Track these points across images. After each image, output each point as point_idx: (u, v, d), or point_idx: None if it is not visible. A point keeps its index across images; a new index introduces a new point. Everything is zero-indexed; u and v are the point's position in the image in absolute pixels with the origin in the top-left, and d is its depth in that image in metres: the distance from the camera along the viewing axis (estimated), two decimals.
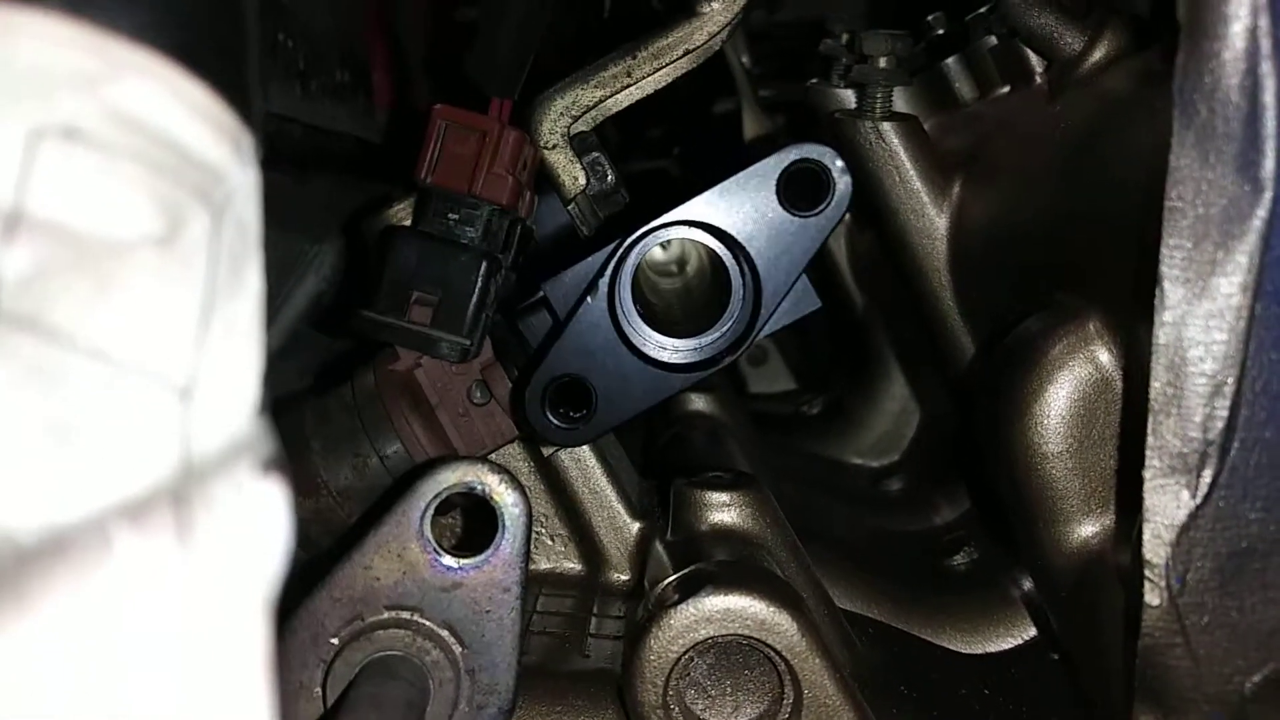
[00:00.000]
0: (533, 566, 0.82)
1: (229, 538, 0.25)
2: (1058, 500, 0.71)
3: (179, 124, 0.28)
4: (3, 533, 0.22)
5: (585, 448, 0.79)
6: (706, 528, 0.72)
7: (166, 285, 0.26)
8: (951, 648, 0.90)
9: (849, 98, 1.15)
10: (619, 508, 0.81)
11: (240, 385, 0.28)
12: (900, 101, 1.15)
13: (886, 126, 1.02)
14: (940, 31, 1.21)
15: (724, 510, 0.72)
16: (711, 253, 0.66)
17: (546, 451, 0.79)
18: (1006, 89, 1.07)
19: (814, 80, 1.24)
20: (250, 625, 0.25)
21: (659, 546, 0.76)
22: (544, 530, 0.83)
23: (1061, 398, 0.71)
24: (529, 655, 0.70)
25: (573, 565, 0.83)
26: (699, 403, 1.13)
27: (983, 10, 1.10)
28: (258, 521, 0.26)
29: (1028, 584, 0.95)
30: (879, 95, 1.03)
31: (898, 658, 0.78)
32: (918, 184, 1.03)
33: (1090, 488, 0.71)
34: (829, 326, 1.63)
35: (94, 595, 0.22)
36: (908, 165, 1.02)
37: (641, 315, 0.67)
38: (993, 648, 0.91)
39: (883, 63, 1.02)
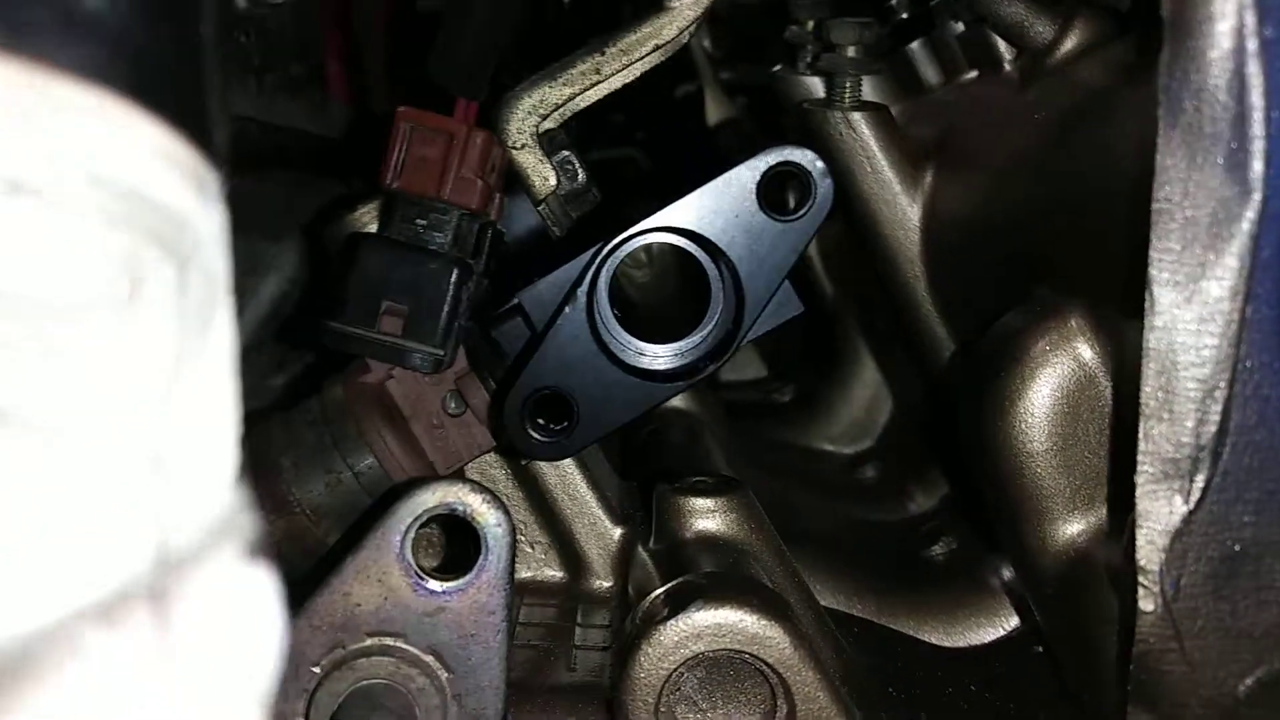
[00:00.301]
0: None
1: (213, 634, 0.23)
2: (1042, 499, 0.71)
3: (135, 170, 0.26)
4: None
5: None
6: (691, 535, 0.71)
7: (129, 351, 0.24)
8: (935, 642, 0.89)
9: (816, 86, 1.14)
10: (600, 513, 0.79)
11: (216, 452, 0.26)
12: (866, 87, 1.14)
13: (857, 116, 1.01)
14: (904, 15, 1.20)
15: (709, 517, 0.71)
16: (689, 254, 0.65)
17: (525, 458, 0.78)
18: (974, 74, 1.06)
19: (779, 67, 1.23)
20: (244, 713, 0.23)
21: (643, 553, 0.74)
22: (524, 538, 0.81)
23: (1044, 395, 0.71)
24: (513, 670, 0.69)
25: (554, 573, 0.81)
26: (675, 399, 1.12)
27: None
28: (244, 614, 0.24)
29: (1008, 573, 0.95)
30: (848, 84, 1.01)
31: (884, 659, 0.78)
32: (889, 174, 1.02)
33: (1075, 485, 0.70)
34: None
35: (67, 706, 0.20)
36: (879, 155, 1.01)
37: (619, 320, 0.65)
38: (975, 640, 0.91)
39: (851, 51, 1.01)
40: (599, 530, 0.79)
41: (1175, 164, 0.53)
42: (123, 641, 0.21)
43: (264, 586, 0.25)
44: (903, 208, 1.02)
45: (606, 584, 0.80)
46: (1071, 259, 0.75)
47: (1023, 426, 0.71)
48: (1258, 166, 0.51)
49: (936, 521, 1.11)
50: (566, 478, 0.79)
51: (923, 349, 1.06)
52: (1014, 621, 0.92)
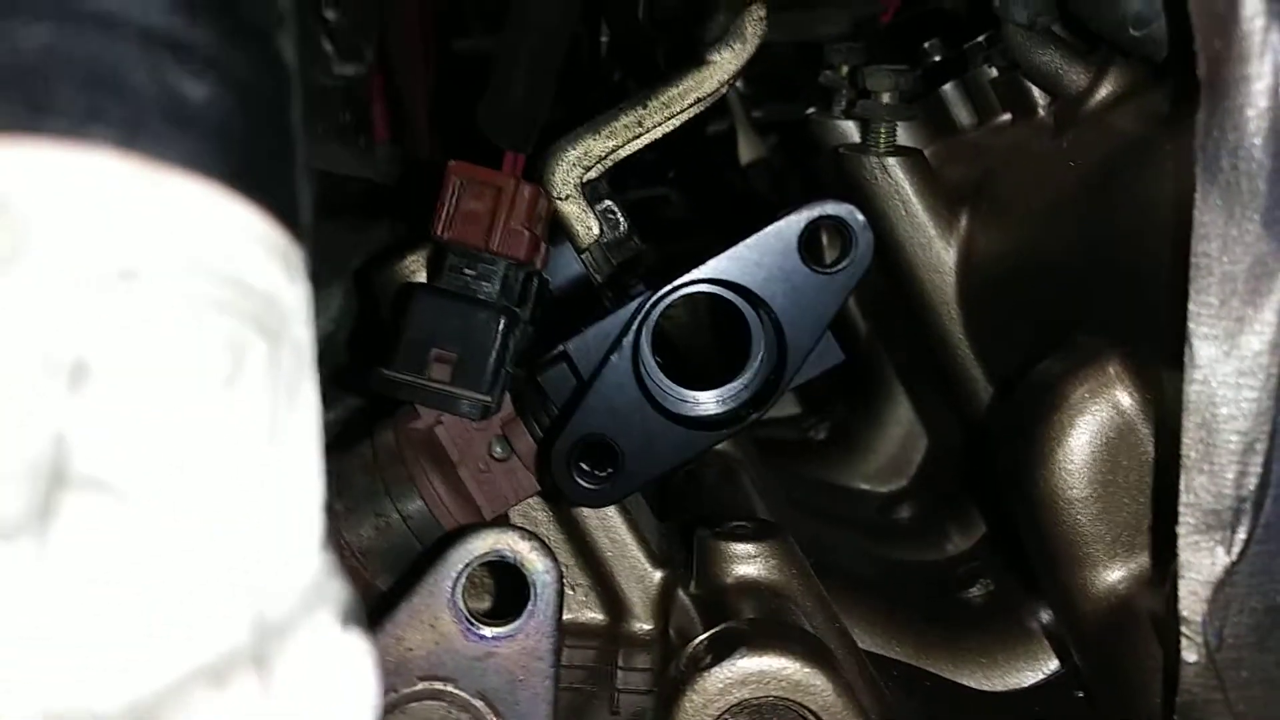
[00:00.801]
0: None
1: (313, 691, 0.24)
2: (1083, 545, 0.71)
3: (234, 255, 0.27)
4: (88, 715, 0.21)
5: None
6: (732, 580, 0.72)
7: (231, 426, 0.26)
8: (974, 685, 0.90)
9: (850, 130, 1.15)
10: (640, 556, 0.80)
11: (305, 518, 0.28)
12: (900, 130, 1.16)
13: (892, 161, 1.02)
14: (937, 58, 1.22)
15: (749, 563, 0.72)
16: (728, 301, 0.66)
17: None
18: (1007, 117, 1.07)
19: (813, 110, 1.24)
20: None
21: (684, 598, 0.75)
22: (566, 580, 0.82)
23: (1084, 442, 0.71)
24: (557, 713, 0.70)
25: (595, 615, 0.82)
26: None
27: (980, 39, 1.11)
28: (340, 675, 0.25)
29: (1046, 615, 0.95)
30: (883, 130, 1.03)
31: (924, 703, 0.78)
32: (924, 218, 1.03)
33: (1115, 532, 0.71)
34: None
35: None
36: (914, 200, 1.03)
37: (662, 367, 0.67)
38: (1014, 683, 0.91)
39: (886, 98, 1.03)
40: (639, 573, 0.80)
41: (1213, 220, 0.54)
42: (230, 702, 0.23)
43: (359, 651, 0.26)
44: (938, 251, 1.03)
45: (647, 626, 0.81)
46: (1109, 306, 0.76)
47: (1062, 473, 0.71)
48: None
49: (974, 563, 1.10)
50: (607, 521, 0.80)
51: (959, 391, 1.07)
52: (1053, 665, 0.92)
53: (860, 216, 0.62)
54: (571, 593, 0.83)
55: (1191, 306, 0.54)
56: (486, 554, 0.57)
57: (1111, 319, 0.75)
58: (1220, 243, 0.54)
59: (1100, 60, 0.87)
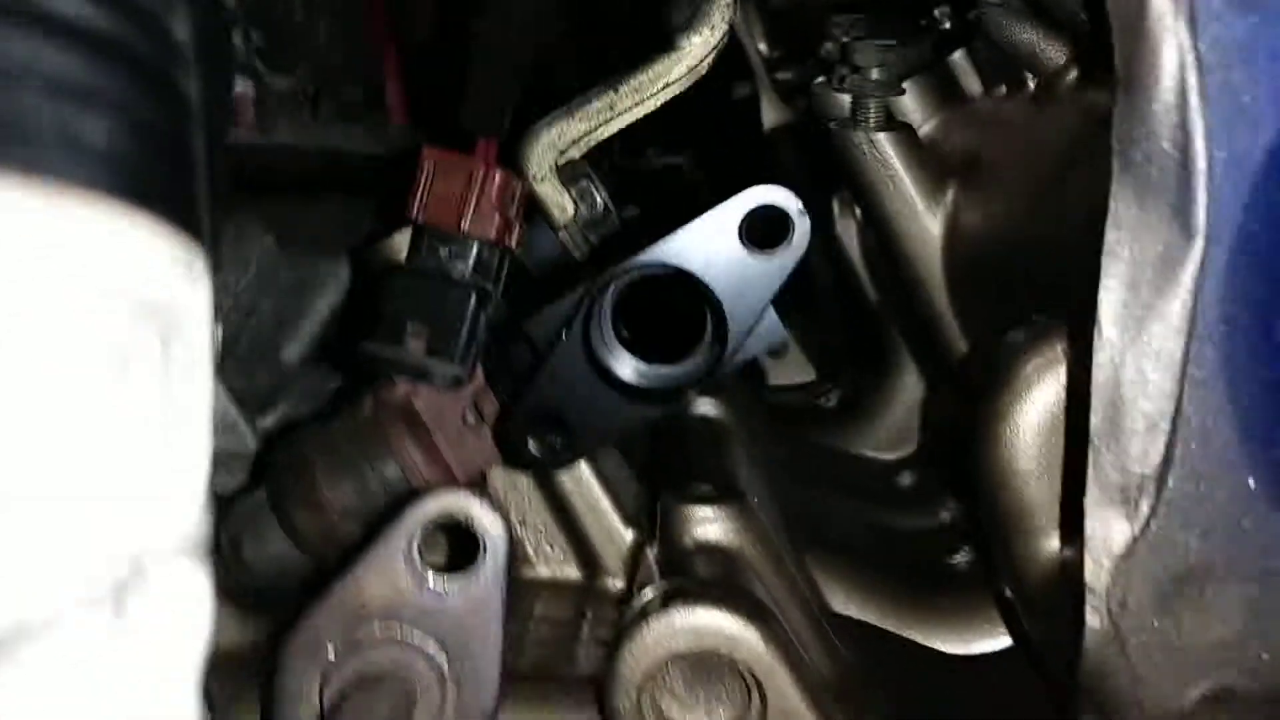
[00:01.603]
0: (532, 574, 0.87)
1: (159, 616, 0.29)
2: (1027, 515, 0.74)
3: (131, 266, 0.32)
4: None
5: (581, 461, 0.84)
6: (690, 541, 0.76)
7: (121, 410, 0.31)
8: (942, 648, 0.93)
9: (846, 103, 1.17)
10: (613, 517, 0.85)
11: (188, 485, 0.32)
12: (909, 97, 1.17)
13: (880, 137, 1.04)
14: (947, 25, 1.22)
15: (707, 525, 0.76)
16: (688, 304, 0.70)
17: None
18: (1004, 90, 1.08)
19: (820, 80, 1.26)
20: (179, 689, 0.30)
21: (649, 557, 0.80)
22: (543, 539, 0.87)
23: (1030, 416, 0.73)
24: (523, 658, 0.75)
25: (571, 572, 0.87)
26: (704, 407, 1.17)
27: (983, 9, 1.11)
28: (184, 606, 0.30)
29: None
30: (871, 106, 1.05)
31: (882, 663, 0.82)
32: (911, 192, 1.04)
33: (1059, 504, 0.73)
34: (845, 318, 1.65)
35: (46, 662, 0.27)
36: (901, 174, 1.04)
37: (623, 342, 0.71)
38: (982, 648, 0.94)
39: (875, 74, 1.04)
40: (612, 533, 0.85)
41: (1125, 209, 0.56)
42: (91, 616, 0.28)
43: (201, 586, 0.31)
44: (925, 224, 1.05)
45: (619, 583, 0.86)
46: (1062, 283, 0.77)
47: (1009, 446, 0.74)
48: (1200, 213, 0.54)
49: (962, 528, 1.13)
50: (583, 483, 0.85)
51: (947, 361, 1.09)
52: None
53: (797, 204, 0.65)
54: (550, 551, 0.88)
55: (1102, 292, 0.56)
56: (439, 514, 0.62)
57: (1061, 299, 0.77)
58: (1131, 231, 0.56)
59: (1076, 37, 0.87)
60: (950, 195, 1.05)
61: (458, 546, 0.67)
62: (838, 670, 0.76)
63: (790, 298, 0.73)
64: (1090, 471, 0.57)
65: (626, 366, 0.67)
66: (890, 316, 1.49)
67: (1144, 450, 0.56)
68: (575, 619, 0.81)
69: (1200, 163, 0.53)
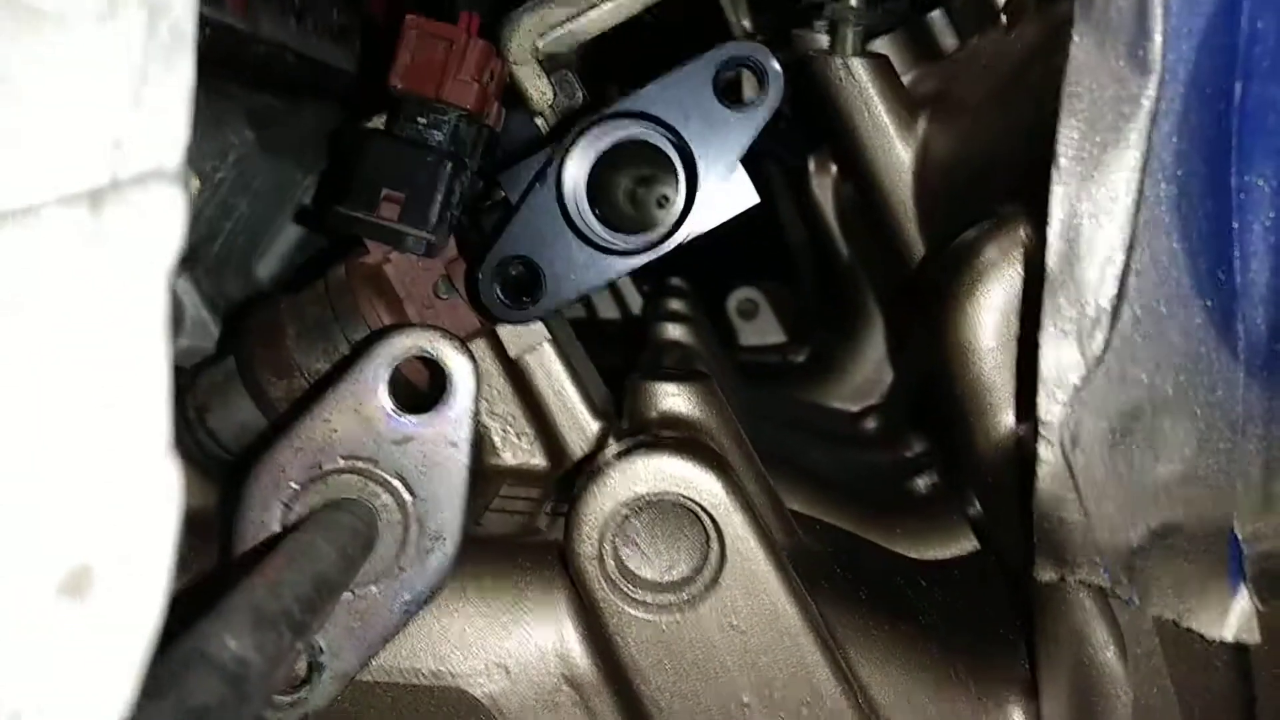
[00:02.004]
0: (499, 462, 0.88)
1: (132, 214, 0.30)
2: (987, 393, 0.75)
3: None
4: None
5: (549, 350, 0.84)
6: (655, 415, 0.76)
7: (103, 54, 0.31)
8: (900, 553, 0.94)
9: (825, 42, 1.19)
10: (581, 407, 0.86)
11: (165, 148, 0.33)
12: (888, 55, 1.19)
13: (856, 63, 1.06)
14: None
15: (671, 399, 0.76)
16: (662, 162, 0.71)
17: (513, 353, 0.84)
18: (976, 37, 1.11)
19: (796, 30, 1.28)
20: (149, 274, 0.30)
21: (611, 437, 0.80)
22: (511, 429, 0.88)
23: (992, 297, 0.75)
24: (485, 528, 0.75)
25: (538, 461, 0.88)
26: (674, 332, 1.18)
27: None
28: (156, 206, 0.31)
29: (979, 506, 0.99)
30: (849, 33, 1.07)
31: (839, 548, 0.83)
32: (885, 119, 1.07)
33: (1016, 382, 0.75)
34: (817, 277, 1.68)
35: (20, 240, 0.27)
36: (876, 100, 1.07)
37: (599, 217, 0.71)
38: (937, 555, 0.95)
39: (854, 1, 1.06)
40: (580, 423, 0.86)
41: (1085, 52, 0.57)
42: (68, 210, 0.29)
43: (175, 197, 0.31)
44: (897, 152, 1.07)
45: None
46: (1029, 175, 0.79)
47: (972, 325, 0.75)
48: (1156, 50, 0.56)
49: (925, 459, 1.15)
50: (552, 374, 0.85)
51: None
52: (975, 546, 0.96)
53: (774, 61, 0.66)
54: (517, 440, 0.88)
55: (1061, 130, 0.58)
56: (410, 348, 0.63)
57: (1028, 189, 0.79)
58: (1091, 74, 0.57)
59: None
60: (922, 126, 1.07)
61: (426, 396, 0.67)
62: (794, 546, 0.77)
63: (764, 261, 0.74)
64: (1045, 306, 0.58)
65: (603, 226, 0.68)
66: (861, 272, 1.51)
67: (1098, 284, 0.58)
68: (540, 499, 0.82)
69: (1157, 3, 0.55)
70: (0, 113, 0.28)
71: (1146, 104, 0.56)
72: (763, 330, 1.72)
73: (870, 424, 1.36)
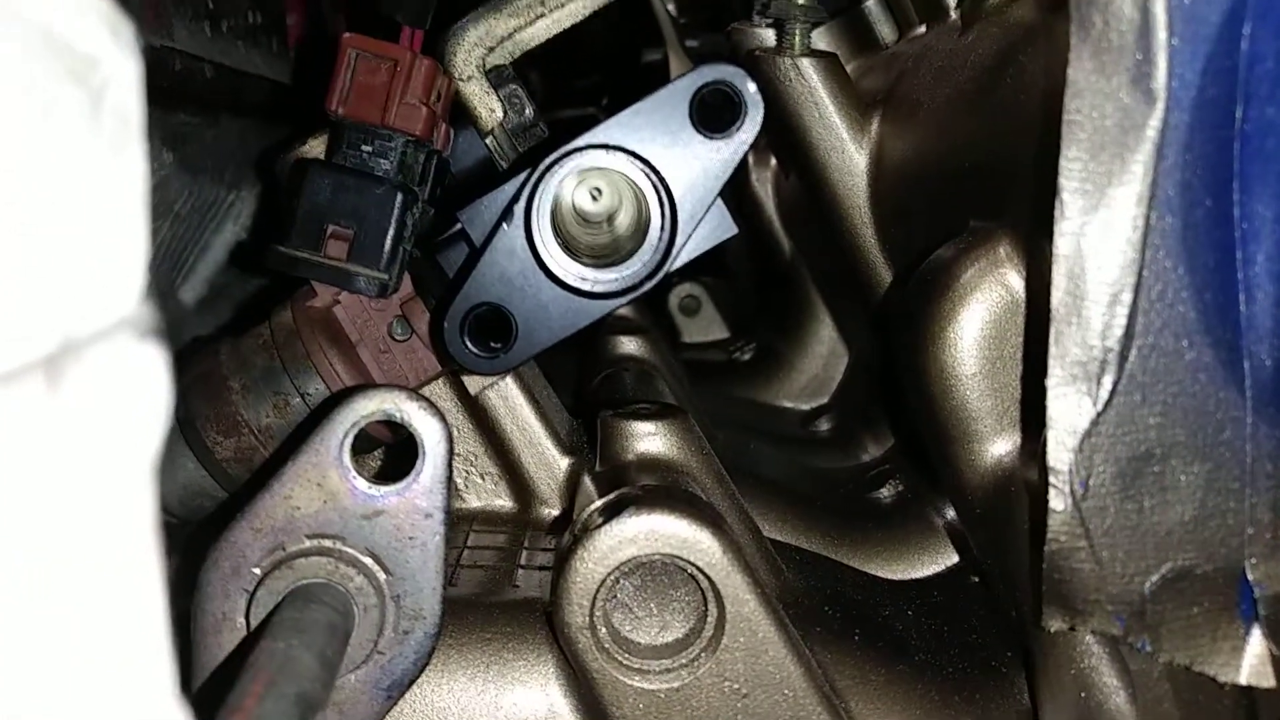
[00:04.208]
0: (463, 505, 0.83)
1: (103, 390, 0.25)
2: (971, 420, 0.73)
3: (46, 10, 0.27)
4: None
5: (512, 384, 0.79)
6: (633, 457, 0.72)
7: (40, 158, 0.26)
8: (877, 574, 0.92)
9: (769, 38, 1.15)
10: (548, 444, 0.81)
11: (124, 267, 0.27)
12: (823, 45, 1.16)
13: (805, 63, 1.03)
14: None
15: (649, 439, 0.72)
16: (633, 186, 0.66)
17: (473, 390, 0.79)
18: (924, 29, 1.08)
19: (735, 23, 1.24)
20: (130, 479, 0.25)
21: (587, 479, 0.76)
22: (474, 469, 0.83)
23: (974, 320, 0.73)
24: (458, 588, 0.71)
25: (503, 503, 0.83)
26: (629, 345, 1.14)
27: None
28: (132, 379, 0.26)
29: (950, 513, 0.97)
30: (797, 31, 1.03)
31: (823, 582, 0.80)
32: (836, 120, 1.03)
33: (1002, 407, 0.73)
34: (758, 272, 1.65)
35: None
36: (827, 102, 1.03)
37: (563, 247, 0.67)
38: (916, 574, 0.94)
39: None
40: (547, 460, 0.81)
41: (1085, 77, 0.55)
42: (17, 389, 0.23)
43: (154, 360, 0.26)
44: (850, 154, 1.04)
45: (554, 512, 0.82)
46: (1002, 192, 0.77)
47: (953, 350, 0.73)
48: (1161, 77, 0.53)
49: (885, 467, 1.13)
50: (515, 410, 0.80)
51: (870, 295, 1.08)
52: (954, 559, 0.95)
53: (750, 83, 0.62)
54: (480, 481, 0.83)
55: (1063, 161, 0.55)
56: (373, 413, 0.57)
57: (1003, 204, 0.76)
58: (1091, 99, 0.55)
59: None
60: (875, 127, 1.04)
61: (391, 464, 0.62)
62: (781, 586, 0.74)
63: (703, 257, 0.70)
64: (1052, 349, 0.56)
65: (575, 263, 0.63)
66: (805, 268, 1.49)
67: (1106, 324, 0.55)
68: (511, 548, 0.77)
69: (1160, 27, 0.53)
70: None
71: (1152, 134, 0.54)
72: (705, 326, 1.69)
73: (823, 425, 1.34)
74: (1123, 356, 0.55)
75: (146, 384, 0.25)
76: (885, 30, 1.19)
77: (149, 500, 0.25)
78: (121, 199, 0.28)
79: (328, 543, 0.57)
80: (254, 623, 0.56)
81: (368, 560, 0.58)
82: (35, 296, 0.24)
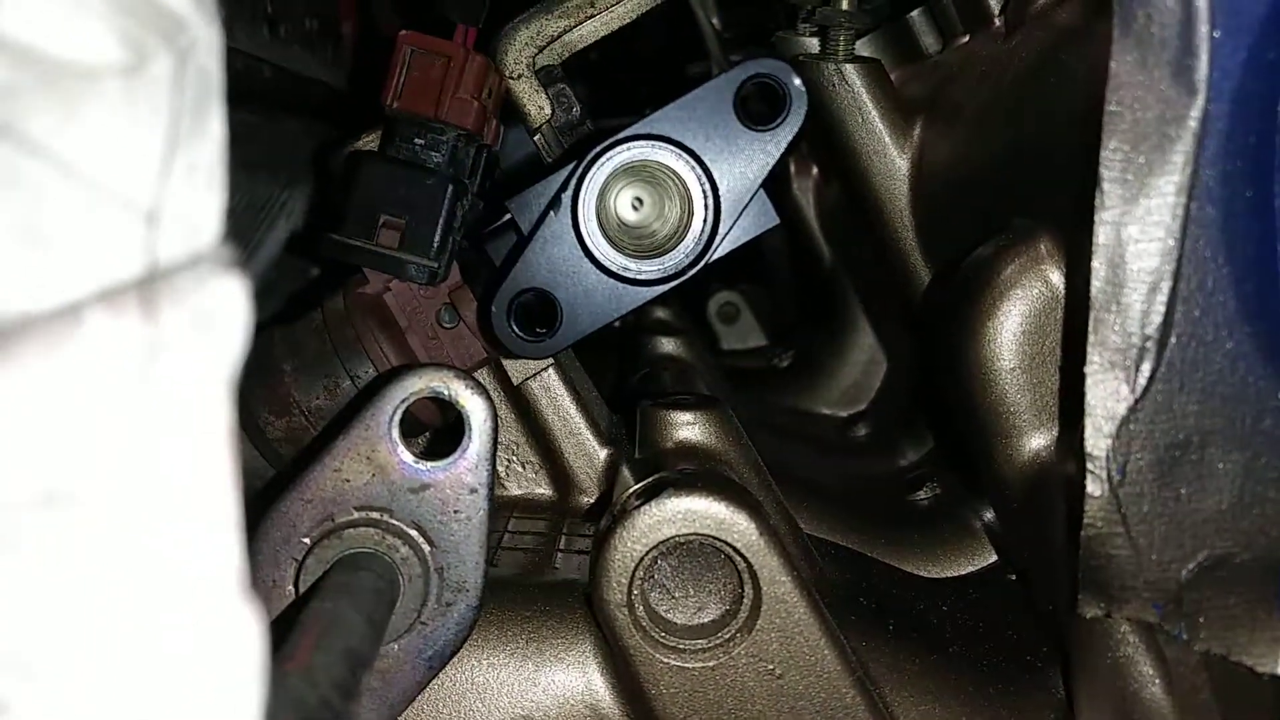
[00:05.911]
0: (504, 492, 0.84)
1: (191, 317, 0.26)
2: (1010, 415, 0.73)
3: None
4: None
5: (554, 375, 0.81)
6: (671, 444, 0.74)
7: (133, 114, 0.28)
8: (913, 572, 0.92)
9: (813, 45, 1.17)
10: (587, 434, 0.83)
11: (203, 220, 0.29)
12: (866, 54, 1.18)
13: (849, 68, 1.04)
14: None
15: (687, 428, 0.74)
16: (676, 179, 0.68)
17: (516, 380, 0.81)
18: (967, 38, 1.09)
19: (780, 32, 1.26)
20: (212, 393, 0.27)
21: (625, 466, 0.78)
22: (515, 457, 0.84)
23: (1014, 315, 0.73)
24: (498, 569, 0.72)
25: (543, 491, 0.85)
26: (668, 346, 1.15)
27: None
28: (217, 305, 0.27)
29: (988, 514, 0.97)
30: (841, 37, 1.05)
31: (858, 574, 0.81)
32: (879, 125, 1.04)
33: (1041, 402, 0.73)
34: (798, 280, 1.66)
35: (65, 361, 0.24)
36: (870, 107, 1.04)
37: (607, 240, 0.68)
38: (952, 572, 0.94)
39: (845, 4, 1.04)
40: (586, 450, 0.83)
41: (1127, 70, 0.55)
42: (116, 316, 0.25)
43: (235, 286, 0.28)
44: (892, 159, 1.05)
45: (592, 501, 0.83)
46: (1043, 189, 0.78)
47: (993, 345, 0.74)
48: (1202, 68, 0.54)
49: (922, 470, 1.13)
50: (557, 400, 0.82)
51: (909, 297, 1.09)
52: (991, 558, 0.95)
53: (795, 77, 0.63)
54: (521, 470, 0.85)
55: (1104, 153, 0.56)
56: (422, 390, 0.59)
57: (1045, 202, 0.77)
58: (1132, 91, 0.55)
59: None
60: (917, 133, 1.05)
61: (436, 447, 0.64)
62: (817, 576, 0.75)
63: (740, 262, 0.71)
64: (1091, 336, 0.57)
65: (620, 254, 0.65)
66: (844, 275, 1.49)
67: (1144, 312, 0.56)
68: (550, 534, 0.78)
69: (1202, 20, 0.53)
70: (22, 196, 0.24)
71: (1193, 125, 0.54)
72: (744, 334, 1.70)
73: (860, 431, 1.34)
74: (1161, 345, 0.56)
75: (233, 311, 0.27)
76: (929, 40, 1.20)
77: (227, 417, 0.27)
78: (202, 153, 0.30)
79: (375, 514, 0.59)
80: (303, 589, 0.58)
81: (413, 533, 0.59)
82: (124, 217, 0.26)
